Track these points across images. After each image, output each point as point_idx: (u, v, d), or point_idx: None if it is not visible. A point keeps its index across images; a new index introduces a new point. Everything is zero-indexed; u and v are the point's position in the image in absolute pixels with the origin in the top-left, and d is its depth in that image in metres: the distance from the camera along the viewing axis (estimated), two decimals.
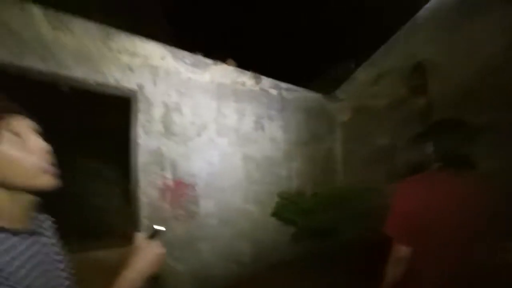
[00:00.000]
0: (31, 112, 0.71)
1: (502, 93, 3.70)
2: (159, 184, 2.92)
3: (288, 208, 3.82)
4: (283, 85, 4.41)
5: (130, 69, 2.90)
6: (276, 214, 3.83)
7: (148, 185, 2.85)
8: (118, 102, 2.87)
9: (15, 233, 0.63)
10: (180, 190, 3.07)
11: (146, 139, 2.91)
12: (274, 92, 4.26)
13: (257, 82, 4.00)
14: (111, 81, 2.76)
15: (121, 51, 2.86)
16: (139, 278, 0.77)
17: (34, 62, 2.40)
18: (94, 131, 2.69)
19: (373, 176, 4.71)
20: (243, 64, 4.01)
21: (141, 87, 2.94)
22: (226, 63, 3.74)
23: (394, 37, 4.77)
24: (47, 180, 0.68)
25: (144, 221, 2.76)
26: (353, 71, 5.13)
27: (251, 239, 3.67)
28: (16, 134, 0.64)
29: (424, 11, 4.52)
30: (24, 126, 0.67)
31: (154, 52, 3.08)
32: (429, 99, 4.41)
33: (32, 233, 0.69)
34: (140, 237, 0.83)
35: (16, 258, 0.60)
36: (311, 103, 4.86)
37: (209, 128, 3.45)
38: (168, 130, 3.08)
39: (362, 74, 5.09)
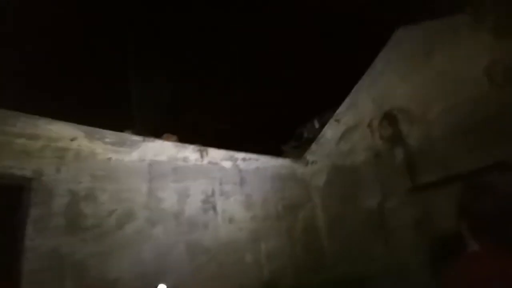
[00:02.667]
0: None
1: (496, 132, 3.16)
2: None
3: None
4: (240, 155, 3.97)
5: (27, 153, 2.46)
6: None
7: None
8: (7, 194, 2.34)
9: None
10: None
11: (39, 238, 2.26)
12: (228, 164, 3.78)
13: (203, 155, 3.55)
14: None
15: (17, 135, 2.47)
16: None
17: None
18: None
19: (370, 247, 3.80)
20: (192, 138, 3.65)
21: (39, 174, 2.45)
22: (164, 139, 3.36)
23: (355, 88, 4.56)
24: None
25: None
26: (319, 130, 4.77)
27: None
28: None
29: (381, 58, 4.37)
30: None
31: (62, 133, 2.71)
32: (409, 150, 3.89)
33: None
34: None
35: None
36: (279, 170, 4.33)
37: (138, 216, 2.82)
38: (73, 224, 2.46)
39: (330, 132, 4.72)
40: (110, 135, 2.96)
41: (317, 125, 4.81)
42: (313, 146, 4.87)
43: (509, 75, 3.38)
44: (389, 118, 4.17)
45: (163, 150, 3.26)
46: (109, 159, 2.88)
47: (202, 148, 3.60)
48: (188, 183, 3.29)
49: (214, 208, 3.39)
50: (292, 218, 4.13)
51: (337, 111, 4.69)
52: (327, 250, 4.24)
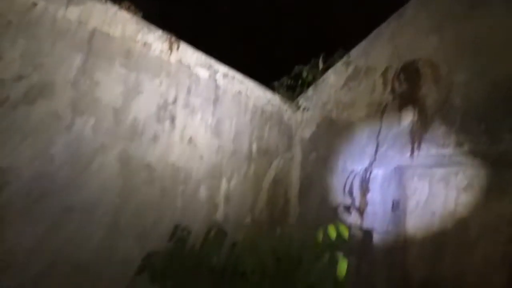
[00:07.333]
0: None
1: None
2: None
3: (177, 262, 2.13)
4: (221, 68, 3.17)
5: None
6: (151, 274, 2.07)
7: None
8: None
9: None
10: None
11: None
12: (203, 73, 2.98)
13: (172, 49, 2.69)
14: None
15: None
16: None
17: None
18: None
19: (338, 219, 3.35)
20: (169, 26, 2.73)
21: None
22: (123, 7, 2.44)
23: (376, 32, 3.76)
24: None
25: None
26: (321, 73, 4.01)
27: None
28: None
29: (414, 2, 3.59)
30: None
31: None
32: (424, 112, 3.26)
33: None
34: None
35: None
36: (264, 105, 3.61)
37: (58, 95, 2.01)
38: None
39: (334, 78, 3.97)
40: None
41: (321, 66, 4.03)
42: (310, 91, 4.13)
43: None
44: (409, 70, 3.47)
45: (116, 22, 2.37)
46: (34, 4, 1.96)
47: (174, 39, 2.72)
48: (142, 76, 2.47)
49: (172, 119, 2.64)
50: (264, 164, 3.52)
51: (349, 53, 3.91)
52: (292, 211, 3.74)
